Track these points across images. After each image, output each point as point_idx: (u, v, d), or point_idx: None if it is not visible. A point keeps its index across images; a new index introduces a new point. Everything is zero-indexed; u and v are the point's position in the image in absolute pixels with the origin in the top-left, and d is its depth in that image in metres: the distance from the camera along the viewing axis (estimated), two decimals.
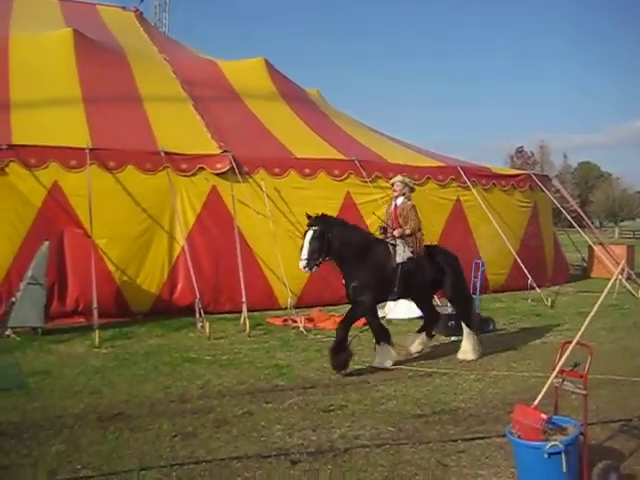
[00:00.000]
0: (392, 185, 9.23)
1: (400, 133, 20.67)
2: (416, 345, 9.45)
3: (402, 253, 8.67)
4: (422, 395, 7.39)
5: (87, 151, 11.87)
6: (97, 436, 6.02)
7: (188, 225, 12.60)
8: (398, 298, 9.22)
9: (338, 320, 11.61)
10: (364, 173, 14.29)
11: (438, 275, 9.07)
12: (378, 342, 8.72)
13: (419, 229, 8.89)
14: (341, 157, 14.56)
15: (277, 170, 13.61)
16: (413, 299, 9.90)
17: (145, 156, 12.41)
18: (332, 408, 6.88)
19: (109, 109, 13.73)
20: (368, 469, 5.29)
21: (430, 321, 9.64)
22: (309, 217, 8.31)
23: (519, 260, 14.57)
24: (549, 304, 13.89)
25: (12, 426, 6.27)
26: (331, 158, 14.46)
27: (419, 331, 9.58)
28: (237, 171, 12.87)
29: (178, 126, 13.96)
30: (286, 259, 11.95)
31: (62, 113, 13.19)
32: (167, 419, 6.48)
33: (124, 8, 22.87)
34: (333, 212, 13.78)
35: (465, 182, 15.64)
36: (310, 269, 8.17)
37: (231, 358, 9.14)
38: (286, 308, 12.14)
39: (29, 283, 10.46)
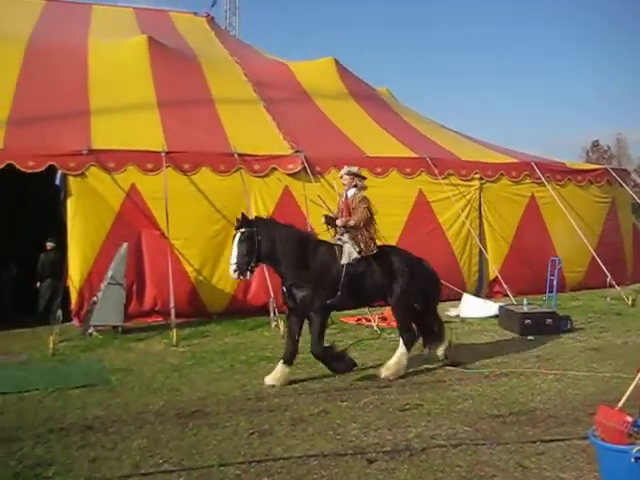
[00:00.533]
0: (341, 179, 8.43)
1: (469, 128, 20.30)
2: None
3: (348, 254, 7.85)
4: (499, 395, 7.29)
5: (163, 154, 12.17)
6: (177, 432, 6.18)
7: None
8: (343, 307, 8.41)
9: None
10: (436, 170, 14.16)
11: (388, 280, 8.06)
12: (284, 358, 7.85)
13: (368, 224, 7.99)
14: (412, 155, 14.46)
15: None
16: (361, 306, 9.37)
17: (219, 158, 12.63)
18: (408, 407, 6.86)
19: (183, 112, 14.02)
20: (445, 469, 5.25)
21: (427, 333, 8.62)
22: (238, 220, 7.75)
23: (597, 257, 14.15)
24: (630, 302, 13.44)
25: (98, 420, 6.52)
26: (402, 156, 14.38)
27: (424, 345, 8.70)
28: (309, 171, 12.96)
29: (250, 127, 14.14)
30: None
31: (138, 118, 13.53)
32: (244, 416, 6.59)
33: (195, 14, 23.29)
34: (406, 210, 13.93)
35: (539, 178, 15.28)
36: (242, 275, 7.57)
37: (305, 357, 9.14)
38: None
39: (109, 283, 10.79)
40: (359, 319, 11.81)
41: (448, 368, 8.43)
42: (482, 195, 14.81)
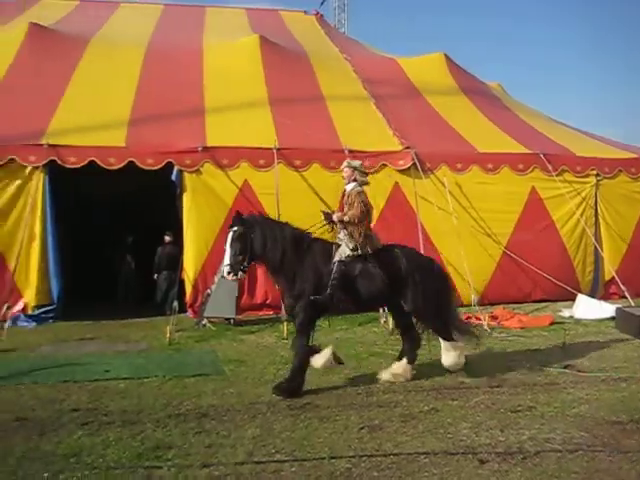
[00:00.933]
0: (344, 171, 7.91)
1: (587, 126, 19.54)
2: (391, 372, 7.83)
3: (340, 251, 7.45)
4: (617, 401, 7.00)
5: (274, 151, 12.43)
6: (288, 423, 6.30)
7: (372, 221, 12.70)
8: (339, 309, 7.77)
9: (524, 319, 11.35)
10: (550, 167, 13.73)
11: (396, 285, 7.50)
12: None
13: (364, 220, 7.52)
14: (525, 151, 14.08)
15: (459, 166, 13.45)
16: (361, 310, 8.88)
17: (329, 154, 12.75)
18: (520, 409, 6.70)
19: (294, 110, 14.22)
20: (561, 475, 5.11)
21: (410, 343, 7.98)
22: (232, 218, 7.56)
23: None
24: None
25: (213, 408, 6.74)
26: (515, 152, 14.03)
27: (399, 357, 8.04)
28: (419, 167, 12.88)
29: (360, 124, 14.18)
30: (469, 256, 11.87)
31: (251, 115, 13.84)
32: (354, 411, 6.64)
33: (305, 12, 23.67)
34: (518, 207, 13.60)
35: None
36: (235, 275, 7.36)
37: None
38: (469, 305, 11.97)
39: (223, 277, 11.10)
40: (468, 317, 11.63)
41: (561, 370, 8.16)
42: (598, 192, 14.23)
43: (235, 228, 7.37)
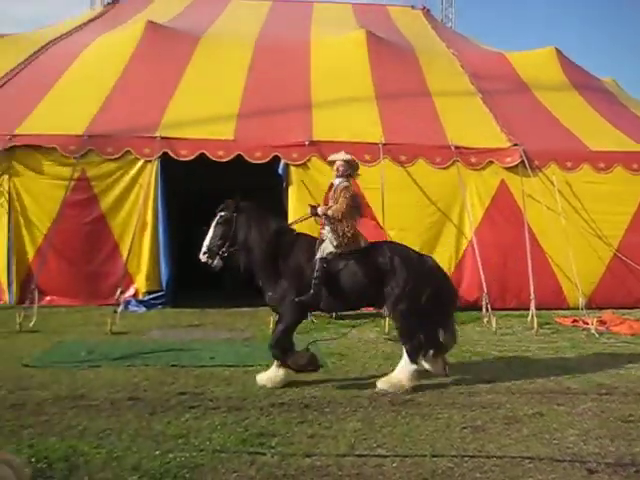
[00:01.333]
0: (335, 165, 7.47)
1: None
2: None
3: (323, 248, 7.09)
4: None
5: (380, 146, 12.43)
6: (390, 419, 6.29)
7: (477, 219, 12.57)
8: (322, 308, 7.58)
9: (635, 325, 10.89)
10: None
11: (378, 282, 7.13)
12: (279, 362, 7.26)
13: (348, 216, 7.08)
14: None
15: (569, 164, 13.02)
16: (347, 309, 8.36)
17: (435, 150, 12.66)
18: (632, 419, 6.42)
19: (400, 105, 14.16)
20: None
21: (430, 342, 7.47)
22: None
23: None
24: None
25: (315, 400, 6.82)
26: (629, 150, 13.44)
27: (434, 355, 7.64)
28: (527, 165, 12.56)
29: (467, 120, 13.96)
30: (578, 257, 11.50)
31: (357, 110, 13.88)
32: (456, 410, 6.57)
33: (412, 7, 23.50)
34: (631, 209, 13.02)
35: None
36: (211, 260, 7.08)
37: (518, 355, 8.97)
38: (575, 308, 11.61)
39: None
40: (575, 320, 11.29)
41: None
42: None
43: (222, 213, 7.24)
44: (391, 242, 7.93)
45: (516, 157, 12.72)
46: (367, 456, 5.39)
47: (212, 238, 7.16)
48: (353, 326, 10.67)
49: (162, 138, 12.24)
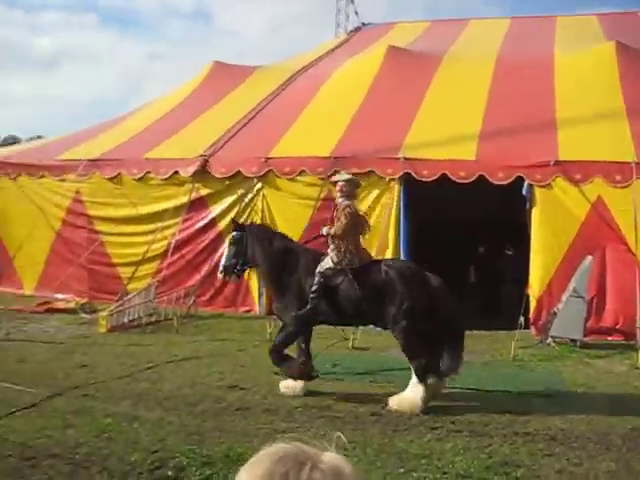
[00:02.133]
0: (337, 186, 7.88)
1: None
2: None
3: (323, 263, 7.49)
4: None
5: (633, 165, 11.61)
6: None
7: None
8: (323, 321, 7.81)
9: None
10: None
11: (377, 300, 7.24)
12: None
13: (347, 234, 7.43)
14: None
15: None
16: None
17: None
18: None
19: None
20: None
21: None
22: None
23: None
24: None
25: (561, 432, 6.54)
26: None
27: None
28: None
29: None
30: None
31: (605, 127, 13.09)
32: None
33: None
34: None
35: None
36: (228, 276, 8.01)
37: None
38: None
39: (571, 296, 10.70)
40: None
41: None
42: None
43: (234, 233, 8.03)
44: (391, 259, 8.52)
45: None
46: None
47: (227, 257, 7.98)
48: (599, 356, 10.07)
49: (405, 159, 12.50)
